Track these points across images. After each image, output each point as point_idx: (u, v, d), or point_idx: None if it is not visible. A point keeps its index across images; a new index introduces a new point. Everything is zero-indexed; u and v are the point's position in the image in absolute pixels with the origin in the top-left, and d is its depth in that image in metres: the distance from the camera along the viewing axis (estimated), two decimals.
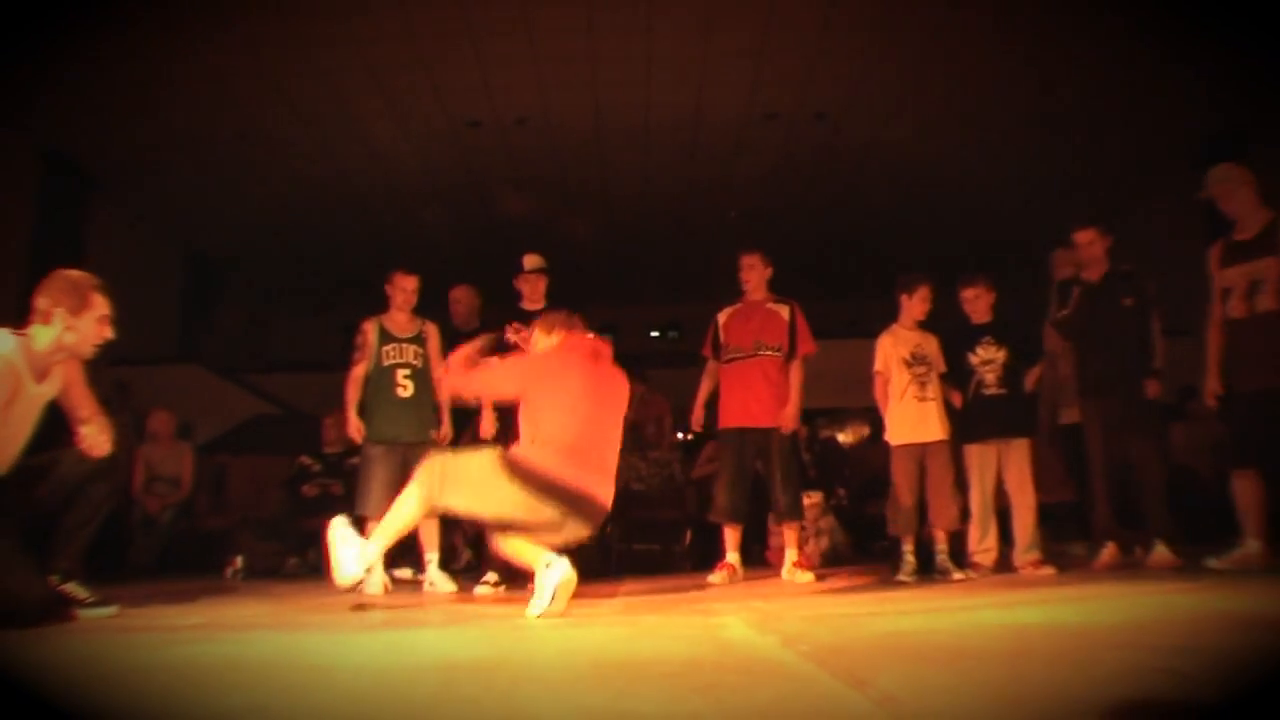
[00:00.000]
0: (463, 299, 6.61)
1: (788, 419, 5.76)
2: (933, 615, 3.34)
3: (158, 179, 9.80)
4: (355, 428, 5.69)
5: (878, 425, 6.11)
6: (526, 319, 5.87)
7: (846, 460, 8.56)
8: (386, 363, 5.75)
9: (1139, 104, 8.40)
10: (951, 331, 5.70)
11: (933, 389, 5.51)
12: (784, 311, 5.91)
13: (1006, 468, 5.53)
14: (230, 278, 12.36)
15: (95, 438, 3.85)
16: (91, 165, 9.19)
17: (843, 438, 9.47)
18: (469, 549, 7.09)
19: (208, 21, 7.20)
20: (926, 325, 5.68)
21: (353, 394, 5.75)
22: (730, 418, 5.74)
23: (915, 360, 5.54)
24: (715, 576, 5.52)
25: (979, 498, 5.54)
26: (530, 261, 6.01)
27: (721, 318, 5.97)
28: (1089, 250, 5.54)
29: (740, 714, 1.70)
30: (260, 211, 10.70)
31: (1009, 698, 1.77)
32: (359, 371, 5.76)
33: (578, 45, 7.80)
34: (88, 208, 9.27)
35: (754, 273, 5.96)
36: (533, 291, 5.95)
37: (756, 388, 5.74)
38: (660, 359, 11.67)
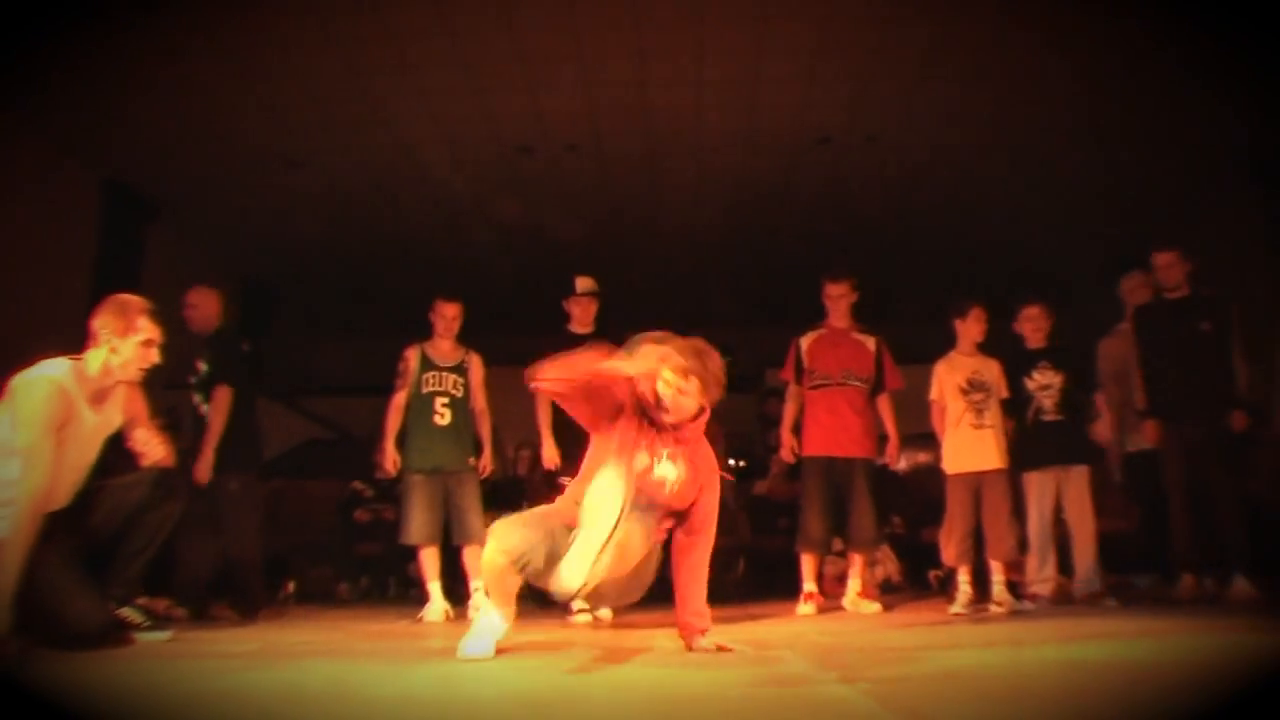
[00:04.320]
0: (200, 303, 6.01)
1: (893, 457, 5.75)
2: (992, 650, 3.26)
3: (213, 207, 9.90)
4: (390, 459, 5.71)
5: (932, 451, 6.03)
6: (573, 342, 5.84)
7: (902, 488, 8.45)
8: (425, 390, 5.77)
9: (1192, 121, 8.23)
10: (1007, 357, 5.62)
11: (991, 416, 5.42)
12: (870, 344, 5.86)
13: (1066, 495, 5.43)
14: (283, 302, 12.47)
15: (149, 442, 3.88)
16: (150, 194, 9.31)
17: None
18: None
19: (262, 52, 7.27)
20: (985, 349, 5.61)
21: (392, 422, 5.77)
22: (817, 445, 5.68)
23: (972, 387, 5.46)
24: (804, 608, 5.46)
25: (1037, 526, 5.44)
26: (582, 284, 5.99)
27: (805, 342, 5.91)
28: (1169, 273, 5.45)
29: None
30: (312, 236, 10.76)
31: None
32: (400, 399, 5.79)
33: (628, 71, 7.78)
34: (146, 237, 9.40)
35: (844, 301, 5.91)
36: (583, 315, 5.93)
37: (845, 417, 5.69)
38: None
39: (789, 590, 5.77)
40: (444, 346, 5.88)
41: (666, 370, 3.32)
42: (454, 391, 5.79)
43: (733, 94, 8.10)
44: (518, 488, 8.14)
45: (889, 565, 6.94)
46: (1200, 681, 2.40)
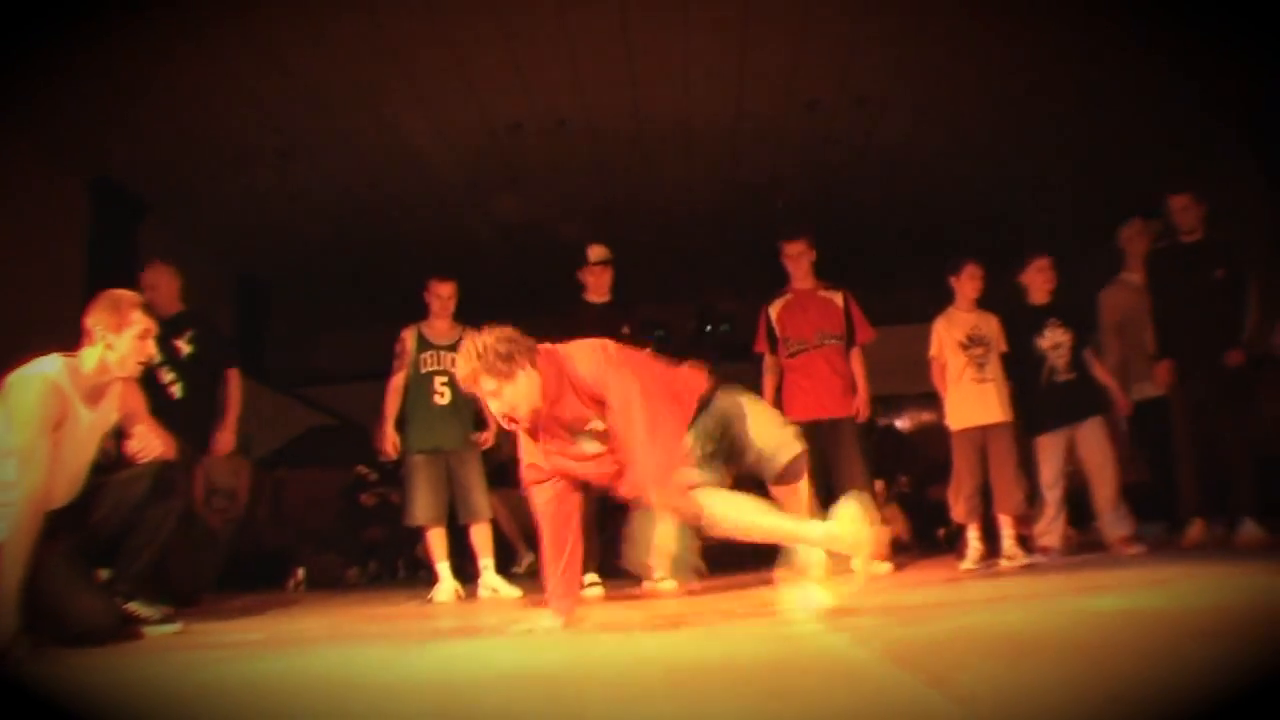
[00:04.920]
0: (158, 283, 5.65)
1: (862, 408, 5.66)
2: (1006, 605, 3.24)
3: (205, 201, 9.84)
4: (390, 440, 5.68)
5: (936, 410, 6.01)
6: (591, 313, 5.79)
7: (907, 447, 8.45)
8: (424, 370, 5.75)
9: (1186, 69, 8.16)
10: (1012, 314, 5.58)
11: (991, 370, 5.40)
12: (838, 299, 5.80)
13: (1082, 447, 5.40)
14: (281, 292, 12.44)
15: (145, 438, 3.84)
16: (140, 191, 9.25)
17: (900, 424, 9.36)
18: (530, 552, 7.06)
19: (244, 43, 7.21)
20: (984, 304, 5.57)
21: (391, 404, 5.74)
22: (801, 410, 5.57)
23: (972, 342, 5.43)
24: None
25: (1050, 479, 5.42)
26: (595, 253, 5.93)
27: (773, 311, 5.85)
28: (1184, 216, 5.40)
29: (822, 719, 1.64)
30: (305, 226, 10.70)
31: (1098, 692, 1.68)
32: (398, 381, 5.76)
33: (614, 44, 7.71)
34: (138, 234, 9.32)
35: (803, 260, 5.84)
36: (598, 283, 5.88)
37: (825, 378, 5.64)
38: (713, 353, 11.59)
39: None
40: (440, 326, 5.85)
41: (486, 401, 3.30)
42: (453, 370, 5.74)
43: (719, 60, 8.03)
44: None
45: (897, 524, 6.92)
46: (1213, 627, 2.38)
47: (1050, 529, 5.41)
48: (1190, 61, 7.76)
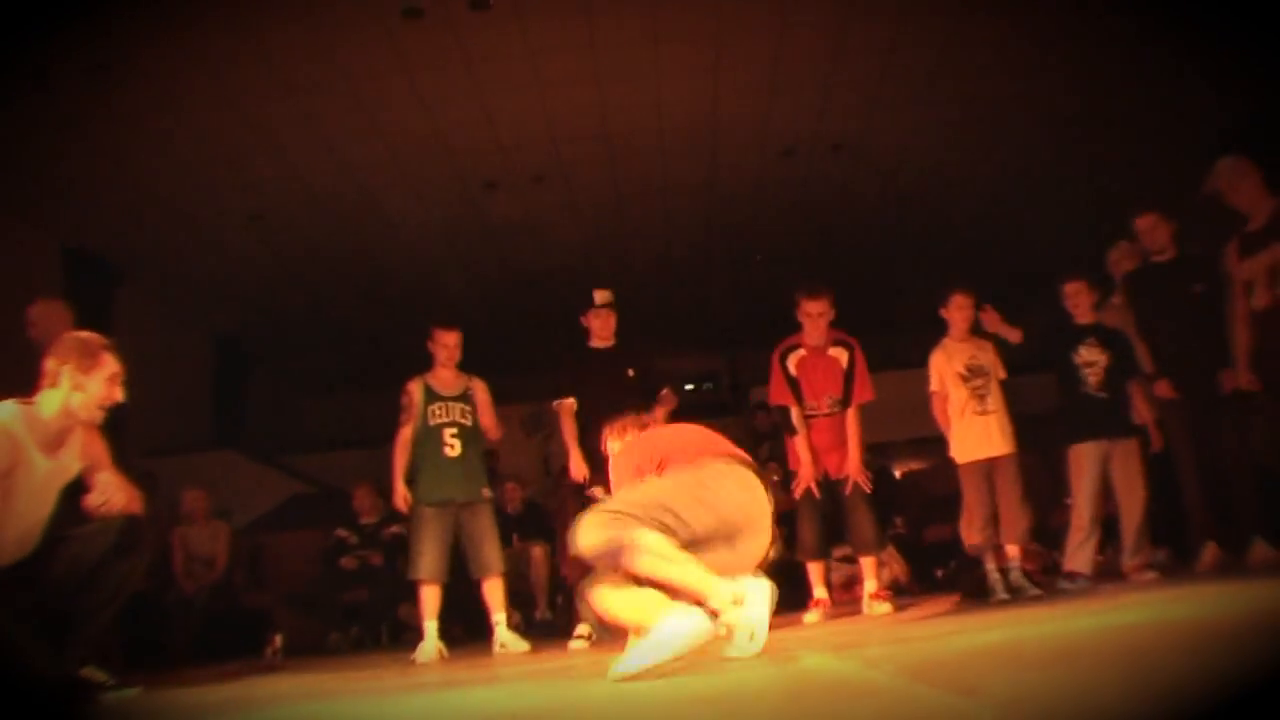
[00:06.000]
0: (42, 320, 4.86)
1: (853, 472, 5.37)
2: (1024, 626, 3.06)
3: (180, 268, 9.78)
4: (401, 496, 5.46)
5: (928, 453, 5.86)
6: (596, 359, 5.65)
7: (899, 491, 8.29)
8: (433, 422, 5.55)
9: (1159, 104, 8.18)
10: (1054, 328, 5.47)
11: (993, 401, 5.27)
12: (843, 359, 5.54)
13: (1114, 469, 5.24)
14: (260, 360, 12.31)
15: (108, 490, 3.58)
16: (115, 259, 9.15)
17: (894, 468, 9.19)
18: (516, 611, 6.86)
19: (216, 105, 7.16)
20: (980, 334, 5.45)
21: (400, 458, 5.52)
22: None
23: (971, 373, 5.31)
24: (810, 615, 5.21)
25: (1083, 500, 5.24)
26: (600, 297, 5.76)
27: (790, 363, 5.60)
28: (1153, 236, 5.32)
29: None
30: (282, 290, 10.63)
31: (1150, 692, 1.51)
32: (406, 434, 5.55)
33: (587, 96, 7.69)
34: (114, 303, 9.19)
35: (824, 319, 5.59)
36: (603, 328, 5.70)
37: (825, 445, 5.42)
38: (698, 411, 11.43)
39: (792, 600, 5.54)
40: (446, 376, 5.65)
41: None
42: (463, 420, 5.57)
43: (694, 111, 8.01)
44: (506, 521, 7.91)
45: (895, 566, 6.73)
46: (1242, 631, 2.22)
47: (1079, 552, 5.22)
48: (1181, 77, 7.76)
